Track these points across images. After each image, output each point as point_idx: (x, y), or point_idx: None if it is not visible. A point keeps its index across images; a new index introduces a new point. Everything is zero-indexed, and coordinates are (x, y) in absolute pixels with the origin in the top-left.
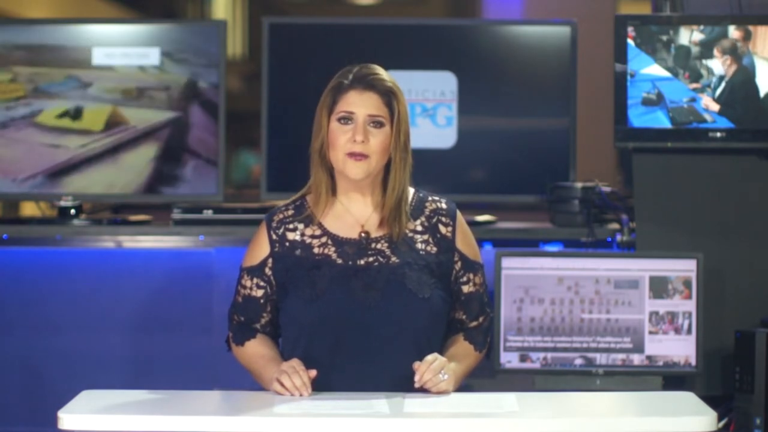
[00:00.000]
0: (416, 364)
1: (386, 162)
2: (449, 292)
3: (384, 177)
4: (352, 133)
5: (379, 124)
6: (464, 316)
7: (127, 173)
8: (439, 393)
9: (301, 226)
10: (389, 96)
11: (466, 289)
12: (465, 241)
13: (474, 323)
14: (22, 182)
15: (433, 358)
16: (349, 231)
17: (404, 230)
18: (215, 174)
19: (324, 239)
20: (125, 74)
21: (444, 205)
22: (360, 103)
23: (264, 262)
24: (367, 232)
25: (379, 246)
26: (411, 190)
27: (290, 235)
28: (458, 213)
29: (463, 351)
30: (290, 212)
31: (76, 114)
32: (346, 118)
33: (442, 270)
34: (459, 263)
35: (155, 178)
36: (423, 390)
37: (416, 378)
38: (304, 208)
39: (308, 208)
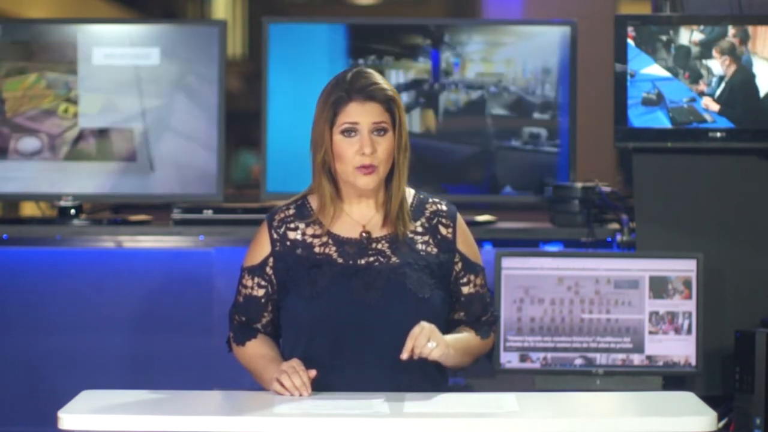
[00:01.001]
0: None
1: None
2: (449, 293)
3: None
4: (359, 145)
5: (383, 131)
6: (464, 316)
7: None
8: (436, 361)
9: (302, 225)
10: (389, 103)
11: (466, 290)
12: (465, 243)
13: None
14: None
15: (419, 329)
16: (350, 231)
17: (408, 230)
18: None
19: (325, 239)
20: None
21: (444, 207)
22: (362, 113)
23: (265, 261)
24: (368, 232)
25: (379, 246)
26: (411, 191)
27: (291, 234)
28: (458, 215)
29: (464, 333)
30: (291, 212)
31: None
32: (351, 130)
33: (443, 271)
34: (459, 264)
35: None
36: (422, 389)
37: (403, 354)
38: (305, 207)
39: (310, 209)
